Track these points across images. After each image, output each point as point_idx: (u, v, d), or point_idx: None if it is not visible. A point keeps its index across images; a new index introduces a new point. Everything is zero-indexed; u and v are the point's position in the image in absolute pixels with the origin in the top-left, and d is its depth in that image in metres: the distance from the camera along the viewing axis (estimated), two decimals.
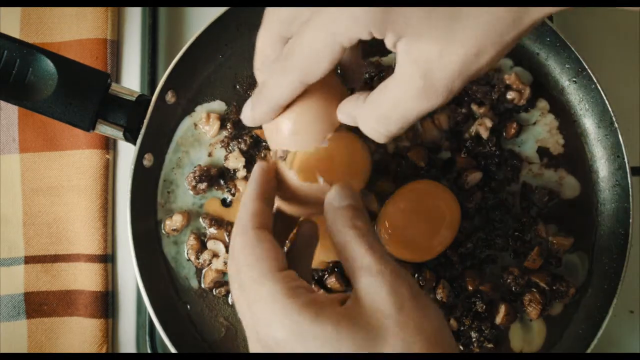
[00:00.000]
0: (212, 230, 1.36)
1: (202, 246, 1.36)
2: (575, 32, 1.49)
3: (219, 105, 1.40)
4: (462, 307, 1.34)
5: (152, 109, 1.31)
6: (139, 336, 1.48)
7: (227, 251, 1.34)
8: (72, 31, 1.52)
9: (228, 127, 1.38)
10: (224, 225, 1.36)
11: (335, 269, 1.34)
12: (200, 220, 1.36)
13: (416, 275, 1.33)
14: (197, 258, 1.35)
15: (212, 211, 1.37)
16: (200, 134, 1.39)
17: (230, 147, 1.37)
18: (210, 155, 1.38)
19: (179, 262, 1.36)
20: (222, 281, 1.36)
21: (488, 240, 1.35)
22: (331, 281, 1.33)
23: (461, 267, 1.34)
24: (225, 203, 1.37)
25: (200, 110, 1.39)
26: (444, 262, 1.34)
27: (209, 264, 1.35)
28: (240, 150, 1.37)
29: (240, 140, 1.37)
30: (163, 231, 1.36)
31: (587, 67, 1.33)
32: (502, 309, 1.33)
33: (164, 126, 1.37)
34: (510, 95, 1.36)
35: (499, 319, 1.33)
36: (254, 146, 1.37)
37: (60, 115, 1.23)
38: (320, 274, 1.35)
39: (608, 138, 1.35)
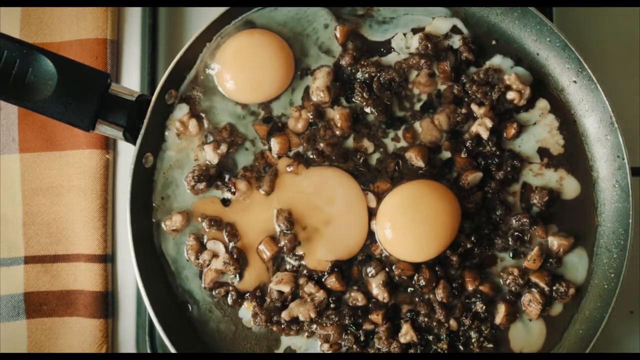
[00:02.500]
0: (211, 231, 1.35)
1: (202, 247, 1.36)
2: (575, 32, 1.49)
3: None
4: (461, 307, 1.34)
5: (152, 109, 1.31)
6: (139, 336, 1.49)
7: (226, 251, 1.34)
8: (72, 31, 1.52)
9: (204, 119, 1.38)
10: (224, 225, 1.36)
11: (335, 269, 1.34)
12: (200, 220, 1.36)
13: (416, 276, 1.33)
14: (197, 258, 1.35)
15: (204, 211, 1.37)
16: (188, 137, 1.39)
17: (208, 140, 1.37)
18: (196, 159, 1.37)
19: (179, 263, 1.36)
20: (221, 281, 1.36)
21: (489, 241, 1.35)
22: (331, 281, 1.33)
23: (461, 267, 1.34)
24: (225, 202, 1.37)
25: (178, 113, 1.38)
26: (444, 262, 1.34)
27: (208, 264, 1.34)
28: (220, 141, 1.37)
29: (219, 130, 1.37)
30: (163, 231, 1.36)
31: (587, 67, 1.33)
32: (502, 309, 1.33)
33: (163, 126, 1.36)
34: (510, 95, 1.36)
35: (499, 319, 1.33)
36: (232, 134, 1.37)
37: (60, 116, 1.24)
38: (319, 274, 1.35)
39: (608, 138, 1.34)
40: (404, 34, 1.39)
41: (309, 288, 1.33)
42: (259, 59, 1.35)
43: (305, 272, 1.35)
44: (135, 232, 1.31)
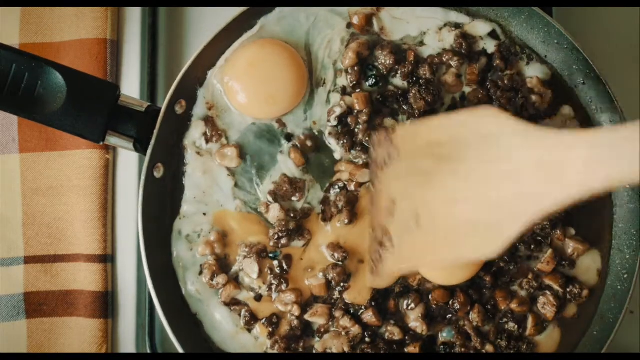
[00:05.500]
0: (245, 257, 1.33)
1: (221, 269, 1.33)
2: (575, 32, 1.48)
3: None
4: (495, 330, 1.33)
5: (162, 120, 1.29)
6: (139, 336, 1.49)
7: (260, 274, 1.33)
8: (72, 31, 1.51)
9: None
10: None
11: (372, 304, 1.32)
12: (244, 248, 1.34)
13: (450, 301, 1.32)
14: (212, 279, 1.32)
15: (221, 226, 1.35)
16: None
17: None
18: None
19: (190, 271, 1.34)
20: (238, 299, 1.33)
21: (514, 255, 1.34)
22: (367, 316, 1.31)
23: (493, 287, 1.33)
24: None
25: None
26: (478, 283, 1.33)
27: (222, 288, 1.33)
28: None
29: None
30: (177, 238, 1.34)
31: (595, 68, 1.33)
32: (530, 320, 1.33)
33: (174, 136, 1.34)
34: (532, 98, 1.35)
35: (528, 331, 1.33)
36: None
37: (70, 128, 1.22)
38: (356, 308, 1.33)
39: None
40: (439, 29, 1.37)
41: (345, 322, 1.31)
42: (272, 71, 1.32)
43: (342, 305, 1.33)
44: (147, 240, 1.28)
